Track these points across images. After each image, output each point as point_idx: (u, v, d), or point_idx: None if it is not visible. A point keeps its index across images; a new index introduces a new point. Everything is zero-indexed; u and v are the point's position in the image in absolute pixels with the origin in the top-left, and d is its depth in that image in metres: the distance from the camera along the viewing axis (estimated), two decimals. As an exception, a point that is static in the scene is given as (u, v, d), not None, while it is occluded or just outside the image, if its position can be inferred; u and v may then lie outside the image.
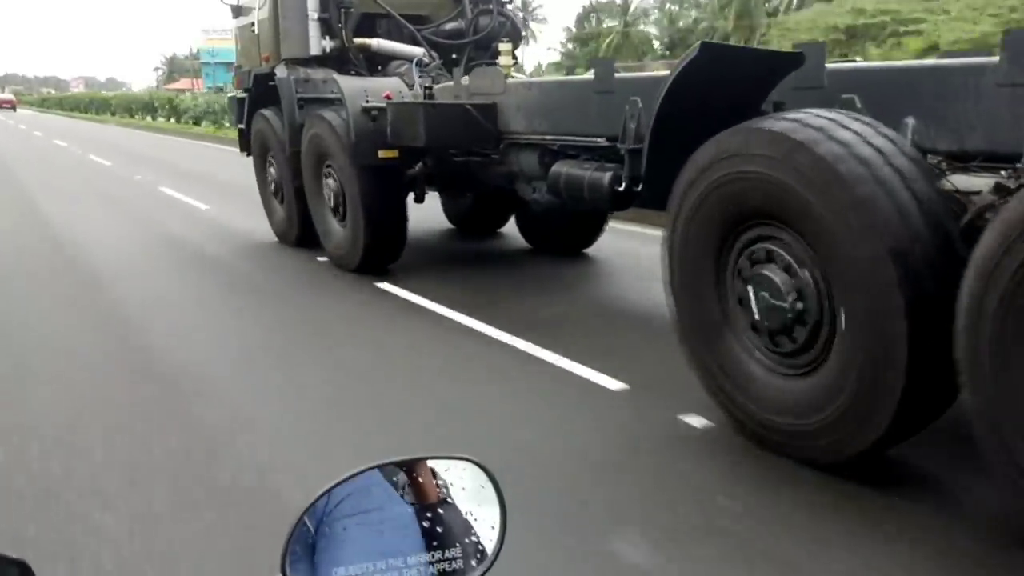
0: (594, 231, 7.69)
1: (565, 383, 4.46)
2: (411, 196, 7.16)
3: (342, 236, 7.22)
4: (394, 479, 0.97)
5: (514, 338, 5.21)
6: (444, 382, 4.55)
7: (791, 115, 3.28)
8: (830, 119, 3.17)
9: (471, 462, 1.01)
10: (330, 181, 7.18)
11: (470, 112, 5.92)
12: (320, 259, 7.63)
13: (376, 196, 6.72)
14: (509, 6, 8.42)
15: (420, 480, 0.99)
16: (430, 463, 1.00)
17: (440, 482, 1.00)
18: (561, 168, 5.36)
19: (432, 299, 6.19)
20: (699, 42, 3.51)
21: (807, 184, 3.05)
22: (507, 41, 7.88)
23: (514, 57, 8.12)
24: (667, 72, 4.00)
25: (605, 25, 60.12)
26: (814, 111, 3.27)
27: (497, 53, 7.82)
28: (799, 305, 3.24)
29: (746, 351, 3.48)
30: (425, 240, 8.54)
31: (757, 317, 3.39)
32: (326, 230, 7.48)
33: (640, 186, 4.84)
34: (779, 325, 3.31)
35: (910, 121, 3.35)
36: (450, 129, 5.98)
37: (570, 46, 62.64)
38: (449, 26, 8.22)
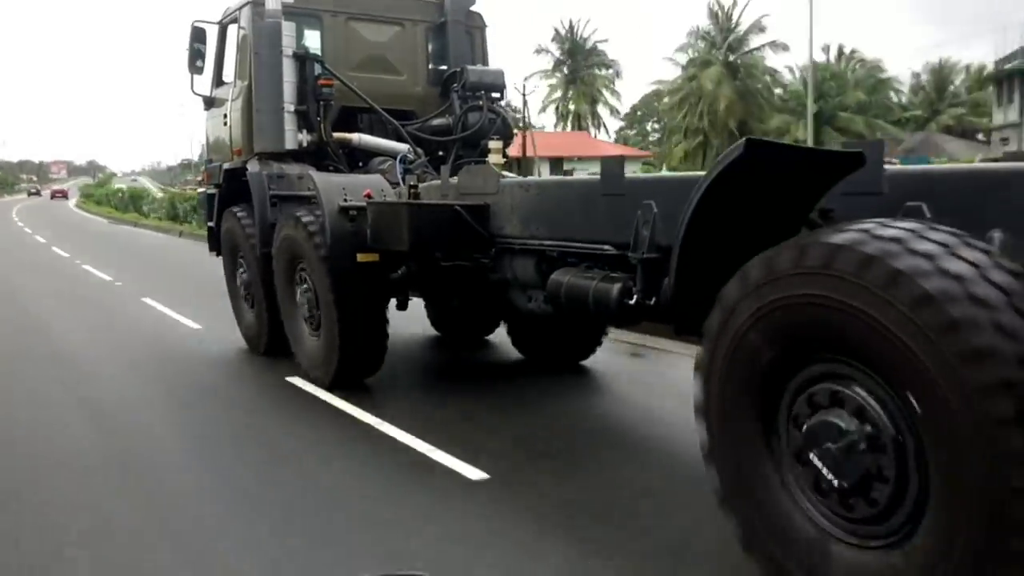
0: (593, 341, 7.01)
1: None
2: (393, 301, 6.51)
3: (315, 347, 6.52)
4: None
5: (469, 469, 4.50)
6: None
7: (856, 225, 2.70)
8: (906, 229, 2.59)
9: None
10: (303, 286, 6.53)
11: (460, 214, 5.35)
12: (289, 379, 6.73)
13: (353, 304, 6.05)
14: (501, 102, 8.01)
15: None
16: None
17: None
18: (562, 277, 4.76)
19: (398, 424, 5.44)
20: (744, 139, 2.94)
21: (882, 307, 2.45)
22: (497, 138, 7.50)
23: (504, 155, 7.69)
24: (697, 173, 3.45)
25: None
26: (882, 220, 2.70)
27: (487, 151, 7.44)
28: (877, 459, 2.59)
29: (808, 518, 2.79)
30: (403, 349, 7.75)
31: (825, 475, 2.72)
32: (298, 340, 6.77)
33: (653, 300, 4.28)
34: (852, 484, 2.65)
35: (997, 234, 2.77)
36: (437, 232, 5.40)
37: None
38: (436, 122, 7.82)
